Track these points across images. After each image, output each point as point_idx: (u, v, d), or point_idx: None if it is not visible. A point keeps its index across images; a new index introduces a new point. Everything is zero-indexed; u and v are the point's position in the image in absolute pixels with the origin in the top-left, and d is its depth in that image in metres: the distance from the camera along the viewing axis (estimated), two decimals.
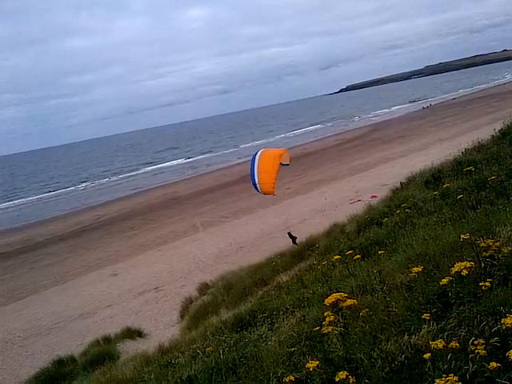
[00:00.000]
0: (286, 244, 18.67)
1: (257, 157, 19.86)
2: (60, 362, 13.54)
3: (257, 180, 19.40)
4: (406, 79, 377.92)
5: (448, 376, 2.19)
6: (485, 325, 2.95)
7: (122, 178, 73.33)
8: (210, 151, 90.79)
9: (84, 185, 72.64)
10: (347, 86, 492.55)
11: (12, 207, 62.53)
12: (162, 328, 15.80)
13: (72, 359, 13.72)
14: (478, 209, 7.12)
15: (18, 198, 69.18)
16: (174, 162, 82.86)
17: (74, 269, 25.80)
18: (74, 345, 15.58)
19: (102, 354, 13.02)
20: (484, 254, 4.13)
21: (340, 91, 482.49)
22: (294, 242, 20.24)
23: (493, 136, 14.13)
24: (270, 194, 19.72)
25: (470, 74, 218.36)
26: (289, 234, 20.41)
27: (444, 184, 9.84)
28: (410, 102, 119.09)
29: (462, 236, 4.79)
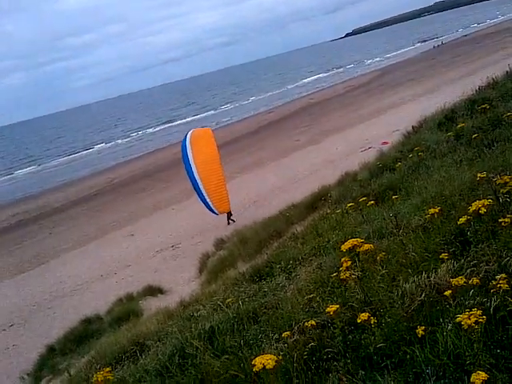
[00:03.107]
0: (297, 196, 18.67)
1: (192, 164, 18.40)
2: (87, 321, 14.10)
3: (208, 200, 18.43)
4: (415, 18, 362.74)
5: (471, 310, 2.19)
6: (506, 260, 2.92)
7: (138, 137, 73.32)
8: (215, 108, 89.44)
9: (97, 147, 72.69)
10: (353, 30, 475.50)
11: (28, 174, 63.19)
12: (182, 284, 16.21)
13: (98, 318, 14.26)
14: (493, 147, 6.96)
15: (33, 165, 69.59)
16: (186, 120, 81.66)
17: (92, 232, 26.30)
18: (98, 304, 16.11)
19: (126, 311, 13.50)
20: (501, 190, 4.05)
21: (346, 35, 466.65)
22: (229, 218, 20.65)
23: (507, 72, 13.63)
24: (226, 211, 18.85)
25: (481, 8, 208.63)
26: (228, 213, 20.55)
27: (458, 124, 9.61)
28: (420, 41, 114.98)
29: (478, 175, 4.71)
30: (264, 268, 7.65)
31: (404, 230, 4.94)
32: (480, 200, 3.55)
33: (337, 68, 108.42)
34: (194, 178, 18.55)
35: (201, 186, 18.42)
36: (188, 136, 19.69)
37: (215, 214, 19.51)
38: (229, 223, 20.79)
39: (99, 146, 74.04)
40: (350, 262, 3.78)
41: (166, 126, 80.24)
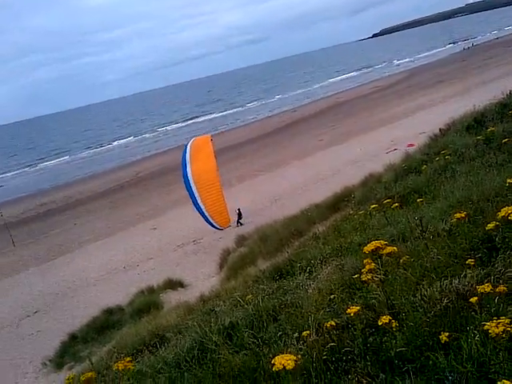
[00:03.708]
0: (320, 196, 18.58)
1: (191, 181, 18.02)
2: (109, 311, 14.39)
3: (208, 215, 17.98)
4: (446, 19, 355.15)
5: (499, 318, 2.14)
6: None
7: (165, 132, 74.35)
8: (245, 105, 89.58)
9: (124, 141, 73.90)
10: (380, 31, 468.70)
11: (56, 165, 64.72)
12: (202, 279, 16.36)
13: (120, 308, 14.54)
14: None
15: (61, 157, 71.16)
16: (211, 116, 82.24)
17: (115, 224, 26.77)
18: (120, 295, 16.41)
19: (147, 303, 13.72)
20: None
21: (373, 36, 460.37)
22: (239, 219, 20.72)
23: None
24: (226, 225, 18.37)
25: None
26: (238, 210, 20.66)
27: (488, 128, 9.39)
28: (451, 43, 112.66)
29: (508, 180, 4.59)
30: (285, 266, 7.65)
31: (429, 233, 4.86)
32: (510, 206, 3.47)
33: (364, 68, 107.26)
34: (194, 195, 18.22)
35: (200, 203, 18.10)
36: (188, 149, 19.22)
37: (218, 229, 19.03)
38: (238, 225, 20.87)
39: (126, 139, 75.29)
40: (373, 265, 3.74)
41: (192, 121, 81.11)
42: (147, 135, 75.47)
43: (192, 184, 18.00)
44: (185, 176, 18.25)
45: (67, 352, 12.79)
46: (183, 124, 79.89)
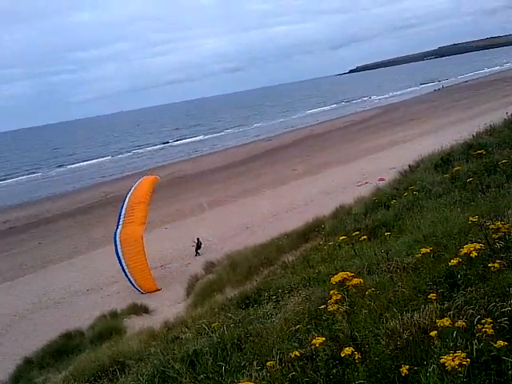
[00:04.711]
0: (291, 225, 18.68)
1: (118, 241, 18.48)
2: (68, 335, 13.83)
3: (132, 279, 18.05)
4: (418, 60, 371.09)
5: (456, 352, 2.19)
6: (493, 305, 2.93)
7: (140, 154, 73.75)
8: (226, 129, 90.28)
9: (97, 161, 72.75)
10: (357, 67, 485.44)
11: (22, 182, 63.00)
12: (168, 305, 16.01)
13: (80, 333, 14.01)
14: (487, 192, 7.05)
15: (28, 174, 69.36)
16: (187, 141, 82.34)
17: (81, 244, 26.10)
18: (81, 319, 15.85)
19: (109, 328, 13.27)
20: (493, 236, 4.10)
21: (350, 72, 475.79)
22: (197, 249, 20.77)
23: (505, 120, 13.90)
24: (152, 289, 18.18)
25: (483, 56, 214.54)
26: (197, 240, 20.77)
27: (454, 167, 9.74)
28: (422, 83, 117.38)
29: (470, 218, 4.76)
30: (252, 295, 7.60)
31: (395, 267, 4.96)
32: (471, 243, 3.60)
33: (340, 102, 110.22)
34: (119, 257, 18.41)
35: (125, 267, 18.24)
36: (124, 207, 19.51)
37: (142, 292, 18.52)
38: (196, 255, 20.82)
39: (99, 159, 74.12)
40: (339, 296, 3.78)
41: (168, 144, 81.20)
42: (120, 156, 74.73)
43: (119, 248, 18.36)
44: (114, 240, 18.62)
45: (22, 377, 12.16)
46: (159, 146, 79.63)
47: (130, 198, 19.48)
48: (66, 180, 56.18)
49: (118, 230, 18.69)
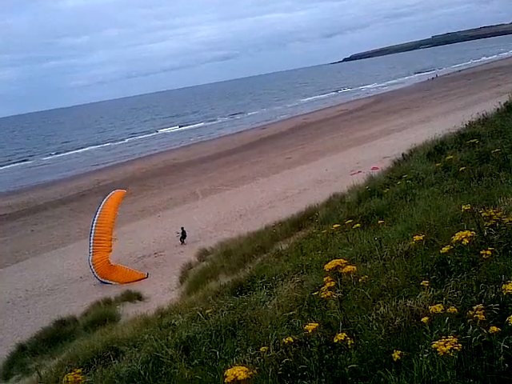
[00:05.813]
0: (284, 213, 18.72)
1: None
2: (61, 322, 13.83)
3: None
4: (412, 49, 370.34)
5: (447, 338, 2.22)
6: (484, 292, 2.97)
7: (132, 142, 73.35)
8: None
9: (90, 148, 72.23)
10: (351, 56, 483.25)
11: (15, 169, 62.48)
12: (162, 292, 16.06)
13: (73, 319, 14.01)
14: (480, 181, 7.10)
15: (21, 161, 68.81)
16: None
17: (74, 232, 26.01)
18: (75, 306, 15.88)
19: (102, 315, 13.28)
20: (485, 223, 4.13)
21: (344, 60, 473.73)
22: (182, 237, 20.91)
23: (498, 109, 13.94)
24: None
25: (477, 45, 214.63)
26: (182, 229, 20.95)
27: (447, 156, 9.78)
28: (416, 72, 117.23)
29: (463, 206, 4.79)
30: (246, 282, 7.63)
31: (387, 254, 5.00)
32: (463, 231, 3.62)
33: (334, 91, 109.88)
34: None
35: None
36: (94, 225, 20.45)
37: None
38: (181, 243, 21.09)
39: (92, 147, 73.60)
40: (333, 283, 3.80)
41: (163, 131, 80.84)
42: (115, 143, 74.21)
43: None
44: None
45: (15, 363, 12.18)
46: (153, 134, 79.14)
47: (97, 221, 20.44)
48: (59, 168, 55.74)
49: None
